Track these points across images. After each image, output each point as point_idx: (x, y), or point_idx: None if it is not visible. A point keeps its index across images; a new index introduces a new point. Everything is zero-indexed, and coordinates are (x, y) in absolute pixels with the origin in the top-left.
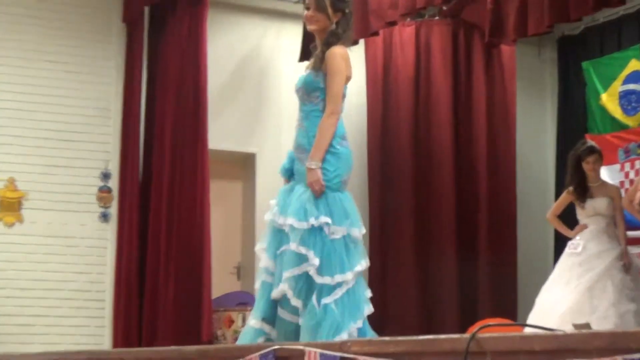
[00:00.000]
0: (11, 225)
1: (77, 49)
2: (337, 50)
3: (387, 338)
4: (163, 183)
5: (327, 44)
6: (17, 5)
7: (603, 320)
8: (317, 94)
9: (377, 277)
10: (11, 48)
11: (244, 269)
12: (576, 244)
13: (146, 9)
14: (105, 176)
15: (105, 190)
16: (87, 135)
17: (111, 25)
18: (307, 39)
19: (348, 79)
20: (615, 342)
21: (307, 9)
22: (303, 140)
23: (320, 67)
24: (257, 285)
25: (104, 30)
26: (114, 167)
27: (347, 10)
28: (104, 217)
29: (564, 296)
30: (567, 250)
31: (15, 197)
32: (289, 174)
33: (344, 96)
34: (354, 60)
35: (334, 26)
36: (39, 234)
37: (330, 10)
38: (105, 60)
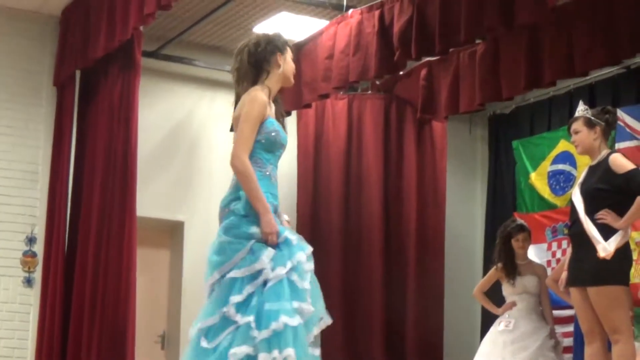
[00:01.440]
0: None
1: (6, 111)
2: None
3: None
4: (89, 249)
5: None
6: None
7: None
8: None
9: None
10: None
11: (169, 338)
12: (508, 322)
13: (77, 73)
14: (31, 240)
15: (29, 254)
16: (14, 199)
17: (42, 88)
18: None
19: None
20: None
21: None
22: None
23: None
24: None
25: (34, 93)
26: (40, 232)
27: None
28: (28, 282)
29: None
30: (498, 327)
31: None
32: None
33: None
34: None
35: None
36: None
37: None
38: (35, 123)
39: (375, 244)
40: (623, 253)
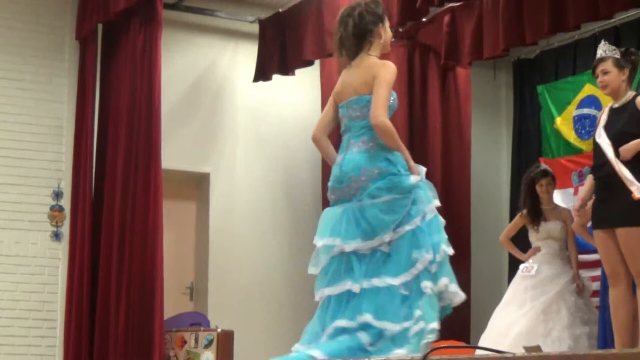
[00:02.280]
0: None
1: (30, 67)
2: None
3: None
4: (115, 202)
5: None
6: None
7: (558, 343)
8: None
9: None
10: None
11: (197, 289)
12: (530, 267)
13: (100, 27)
14: (58, 195)
15: (57, 209)
16: (40, 154)
17: (64, 43)
18: (262, 59)
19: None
20: None
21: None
22: None
23: None
24: None
25: (57, 48)
26: (66, 186)
27: None
28: (56, 236)
29: (518, 319)
30: (520, 272)
31: None
32: None
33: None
34: (309, 80)
35: None
36: None
37: None
38: (59, 78)
39: None
40: None
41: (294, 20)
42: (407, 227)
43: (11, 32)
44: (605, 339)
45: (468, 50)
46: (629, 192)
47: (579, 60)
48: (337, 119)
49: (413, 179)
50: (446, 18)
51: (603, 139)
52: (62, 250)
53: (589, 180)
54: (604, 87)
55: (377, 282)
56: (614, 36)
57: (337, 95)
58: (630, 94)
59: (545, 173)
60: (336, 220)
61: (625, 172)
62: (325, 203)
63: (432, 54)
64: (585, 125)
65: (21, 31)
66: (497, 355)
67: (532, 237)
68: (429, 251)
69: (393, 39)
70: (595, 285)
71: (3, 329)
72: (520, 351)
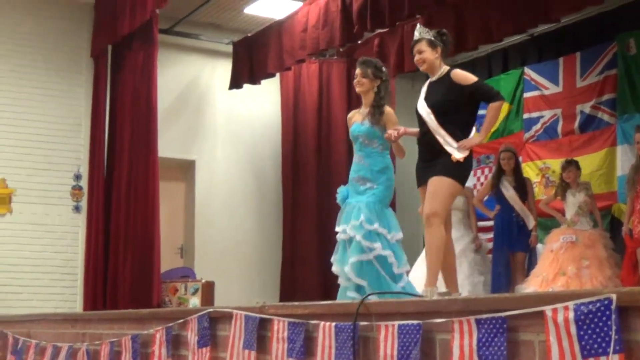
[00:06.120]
0: (3, 215)
1: (56, 78)
2: (390, 109)
3: (296, 303)
4: (122, 183)
5: (380, 105)
6: (10, 43)
7: (461, 289)
8: (376, 140)
9: (288, 260)
10: (4, 77)
11: (186, 250)
12: None
13: (109, 47)
14: (77, 177)
15: (77, 188)
16: (64, 145)
17: (82, 59)
18: (236, 71)
19: None
20: (468, 306)
21: (355, 77)
22: (366, 173)
23: (379, 122)
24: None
25: (76, 63)
26: (84, 170)
27: (384, 79)
28: (76, 209)
29: None
30: None
31: (7, 193)
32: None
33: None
34: (271, 88)
35: (376, 89)
36: (25, 222)
37: (371, 77)
38: (77, 87)
39: (342, 174)
40: (468, 160)
41: (259, 42)
42: None
43: (41, 52)
44: (494, 286)
45: (392, 65)
46: (447, 154)
47: (476, 73)
48: None
49: None
50: (376, 40)
51: (423, 109)
52: (81, 220)
53: None
54: (420, 64)
55: None
56: (503, 55)
57: None
58: (445, 68)
59: None
60: None
61: (448, 139)
62: (285, 184)
63: None
64: (481, 123)
65: (48, 51)
66: (418, 299)
67: None
68: None
69: (335, 57)
70: (490, 245)
71: (36, 281)
72: (434, 297)
